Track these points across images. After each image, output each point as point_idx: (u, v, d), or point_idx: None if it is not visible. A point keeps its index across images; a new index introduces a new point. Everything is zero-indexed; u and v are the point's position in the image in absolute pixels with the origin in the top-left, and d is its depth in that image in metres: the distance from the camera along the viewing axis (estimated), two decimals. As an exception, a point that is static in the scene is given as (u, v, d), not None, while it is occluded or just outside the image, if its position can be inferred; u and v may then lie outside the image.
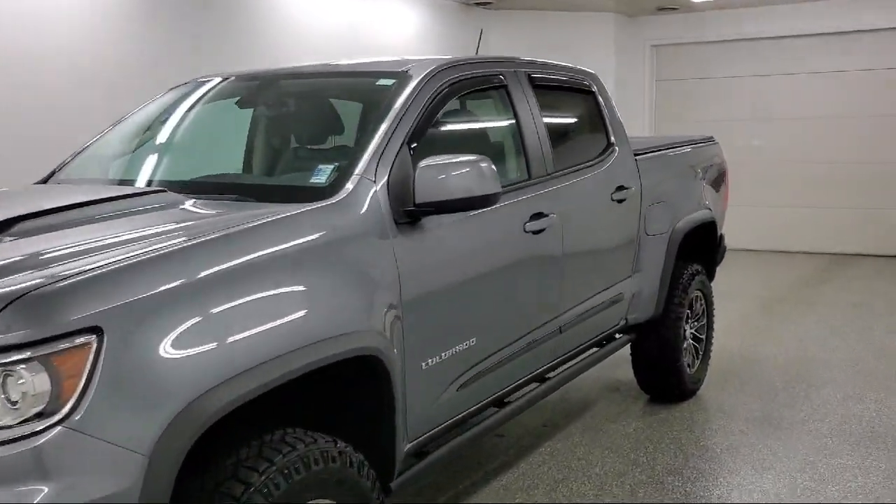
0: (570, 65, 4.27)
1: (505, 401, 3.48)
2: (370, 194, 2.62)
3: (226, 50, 6.65)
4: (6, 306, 1.74)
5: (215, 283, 2.05)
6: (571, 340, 3.86)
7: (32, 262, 2.00)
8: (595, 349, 4.27)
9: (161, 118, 3.52)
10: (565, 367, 3.95)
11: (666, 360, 4.73)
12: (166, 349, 1.90)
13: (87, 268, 1.89)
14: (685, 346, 4.85)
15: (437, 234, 2.82)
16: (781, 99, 10.47)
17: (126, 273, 1.92)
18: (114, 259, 1.95)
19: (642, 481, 3.86)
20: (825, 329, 6.60)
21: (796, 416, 4.66)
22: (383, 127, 2.81)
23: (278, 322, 2.14)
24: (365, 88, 3.31)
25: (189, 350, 1.93)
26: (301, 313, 2.21)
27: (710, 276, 5.27)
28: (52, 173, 3.45)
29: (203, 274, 2.04)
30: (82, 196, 2.55)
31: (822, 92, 10.25)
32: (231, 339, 2.02)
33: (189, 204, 2.56)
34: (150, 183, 3.04)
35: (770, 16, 10.28)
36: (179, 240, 2.10)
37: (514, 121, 3.53)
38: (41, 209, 2.38)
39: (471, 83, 3.34)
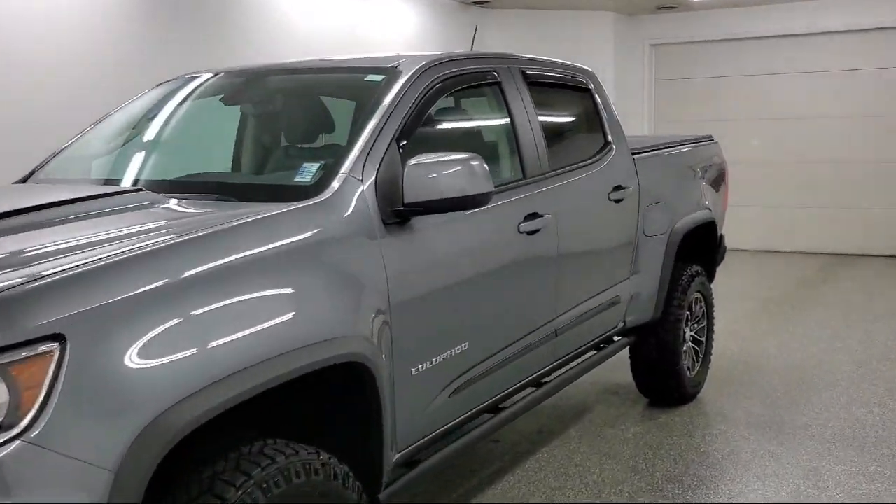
0: (565, 62, 4.17)
1: (499, 407, 3.37)
2: (357, 193, 2.52)
3: (222, 50, 6.58)
4: (-40, 313, 1.63)
5: (188, 288, 1.95)
6: (568, 344, 3.76)
7: None
8: (592, 353, 4.17)
9: (145, 115, 3.42)
10: (562, 371, 3.84)
11: (665, 364, 4.63)
12: (134, 357, 1.79)
13: (50, 272, 1.78)
14: (685, 348, 4.75)
15: (427, 234, 2.72)
16: (782, 98, 10.36)
17: (92, 277, 1.82)
18: (80, 262, 1.84)
19: (641, 489, 3.76)
20: (827, 331, 6.50)
21: (799, 420, 4.55)
22: (371, 124, 2.71)
23: (256, 328, 2.03)
24: (353, 84, 3.21)
25: (159, 358, 1.83)
26: (281, 319, 2.11)
27: (710, 277, 5.17)
28: (32, 172, 3.35)
29: (175, 278, 1.93)
30: (56, 196, 2.45)
31: (824, 90, 10.15)
32: (205, 347, 1.91)
33: (166, 204, 2.46)
34: (131, 182, 2.93)
35: (771, 14, 10.18)
36: (151, 242, 1.99)
37: (508, 119, 3.43)
38: (10, 209, 2.28)
39: (463, 79, 3.24)
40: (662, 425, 4.53)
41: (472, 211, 2.81)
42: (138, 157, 3.21)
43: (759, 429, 4.44)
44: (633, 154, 4.33)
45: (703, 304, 4.99)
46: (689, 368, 4.80)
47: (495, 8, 10.13)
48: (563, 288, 3.57)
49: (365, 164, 2.59)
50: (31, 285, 1.73)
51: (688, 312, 4.76)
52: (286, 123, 3.37)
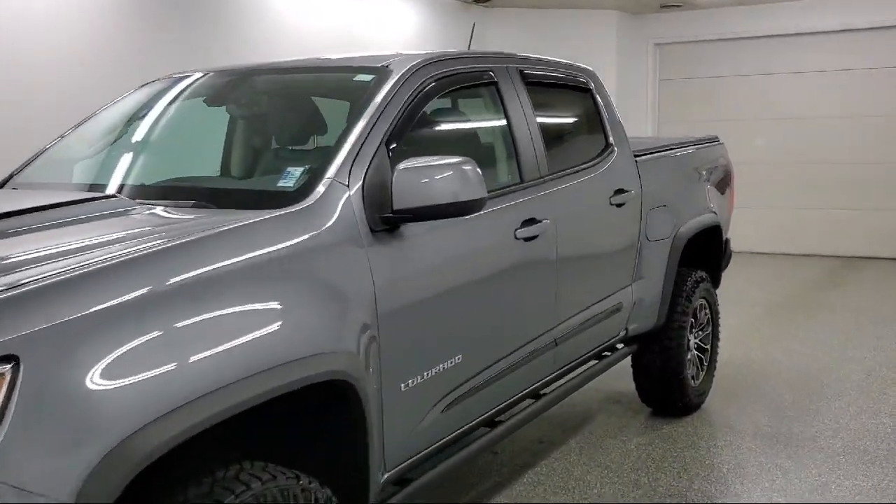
0: (566, 61, 4.03)
1: (496, 420, 3.24)
2: (342, 199, 2.39)
3: (218, 50, 6.49)
4: None
5: (156, 304, 1.81)
6: (568, 354, 3.62)
7: None
8: (594, 362, 4.04)
9: (128, 117, 3.29)
10: (562, 382, 3.71)
11: (669, 372, 4.49)
12: (98, 378, 1.66)
13: (2, 287, 1.65)
14: (689, 357, 4.61)
15: (417, 242, 2.58)
16: (789, 98, 10.21)
17: (50, 292, 1.69)
18: (38, 276, 1.71)
19: (643, 504, 3.62)
20: (835, 336, 6.35)
21: (807, 431, 4.41)
22: (359, 126, 2.58)
23: (229, 345, 1.90)
24: (342, 84, 3.08)
25: (125, 379, 1.70)
26: (257, 335, 1.97)
27: (716, 282, 5.02)
28: (11, 176, 3.22)
29: (141, 293, 1.79)
30: (24, 202, 2.31)
31: (832, 90, 9.99)
32: (173, 367, 1.78)
33: (140, 211, 2.33)
34: (111, 186, 2.80)
35: (776, 13, 10.03)
36: (117, 254, 1.86)
37: (504, 120, 3.30)
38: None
39: (458, 79, 3.11)
40: (666, 436, 4.39)
41: (467, 217, 2.67)
42: (118, 161, 3.07)
43: (767, 440, 4.29)
44: (636, 156, 4.19)
45: (707, 310, 4.84)
46: (693, 377, 4.66)
47: (496, 7, 10.00)
48: (562, 296, 3.44)
49: (352, 168, 2.46)
50: (-20, 303, 1.60)
51: (692, 319, 4.61)
52: (274, 125, 3.24)
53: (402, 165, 2.46)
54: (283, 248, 2.15)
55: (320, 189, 2.38)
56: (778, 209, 10.36)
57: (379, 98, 2.69)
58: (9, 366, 1.56)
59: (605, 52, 10.27)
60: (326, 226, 2.31)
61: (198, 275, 1.91)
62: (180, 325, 1.83)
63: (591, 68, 4.22)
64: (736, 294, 7.26)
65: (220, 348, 1.88)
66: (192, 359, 1.82)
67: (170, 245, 1.93)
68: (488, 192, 2.63)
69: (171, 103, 3.28)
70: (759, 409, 4.75)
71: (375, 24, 8.36)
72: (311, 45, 7.38)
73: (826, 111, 10.03)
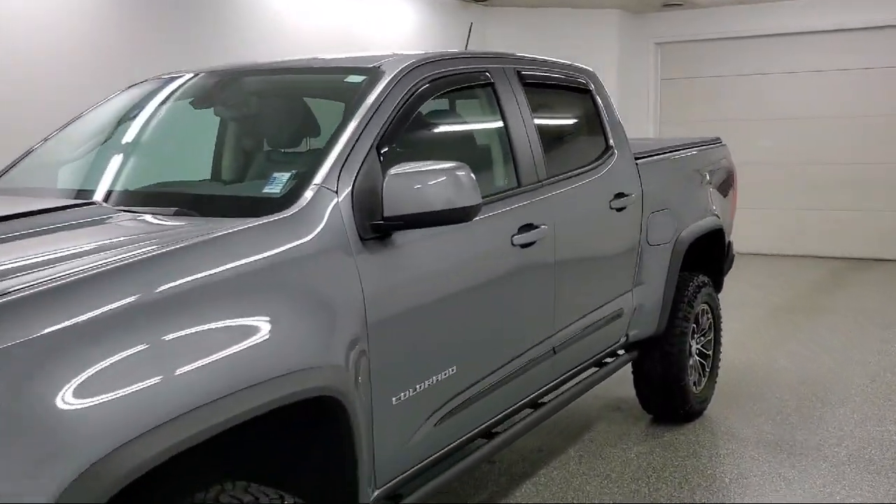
0: (564, 61, 3.94)
1: (493, 431, 3.15)
2: (331, 206, 2.30)
3: (218, 50, 6.42)
4: None
5: (131, 318, 1.72)
6: (567, 362, 3.53)
7: None
8: (594, 369, 3.95)
9: (115, 119, 3.20)
10: (561, 390, 3.62)
11: (670, 379, 4.39)
12: (69, 397, 1.57)
13: (-36, 303, 1.56)
14: (691, 363, 4.51)
15: (410, 250, 2.49)
16: (792, 98, 10.10)
17: (19, 307, 1.60)
18: (4, 290, 1.62)
19: (644, 516, 3.53)
20: (839, 340, 6.25)
21: (811, 439, 4.31)
22: (348, 130, 2.49)
23: (210, 360, 1.81)
24: (333, 86, 2.99)
25: (97, 397, 1.61)
26: (239, 349, 1.88)
27: (718, 287, 4.92)
28: (-7, 180, 3.13)
29: (116, 306, 1.70)
30: (-1, 210, 2.22)
31: (837, 90, 9.88)
32: (150, 384, 1.69)
33: (118, 219, 2.24)
34: (90, 192, 2.69)
35: (779, 12, 9.93)
36: (91, 265, 1.76)
37: (501, 123, 3.20)
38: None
39: (453, 81, 3.02)
40: (667, 445, 4.30)
41: (461, 224, 2.57)
42: (102, 165, 2.97)
43: (770, 449, 4.20)
44: (637, 159, 4.10)
45: (709, 315, 4.75)
46: (695, 384, 4.57)
47: (496, 6, 9.89)
48: (561, 303, 3.35)
49: (340, 173, 2.37)
50: (-58, 320, 1.51)
51: (694, 325, 4.52)
52: (264, 127, 3.15)
53: (393, 171, 2.37)
54: (267, 258, 2.06)
55: (307, 195, 2.29)
56: (779, 210, 10.25)
57: (370, 100, 2.60)
58: (-28, 386, 1.47)
59: (606, 52, 10.16)
60: (313, 234, 2.22)
61: (175, 287, 1.82)
62: (158, 340, 1.74)
63: (590, 68, 4.13)
64: (738, 296, 7.16)
65: (197, 365, 1.78)
66: (170, 376, 1.73)
67: (146, 256, 1.83)
68: (484, 197, 2.55)
69: (159, 105, 3.19)
70: (762, 416, 4.66)
71: (375, 23, 8.27)
72: (309, 44, 7.30)
73: (833, 111, 9.91)
